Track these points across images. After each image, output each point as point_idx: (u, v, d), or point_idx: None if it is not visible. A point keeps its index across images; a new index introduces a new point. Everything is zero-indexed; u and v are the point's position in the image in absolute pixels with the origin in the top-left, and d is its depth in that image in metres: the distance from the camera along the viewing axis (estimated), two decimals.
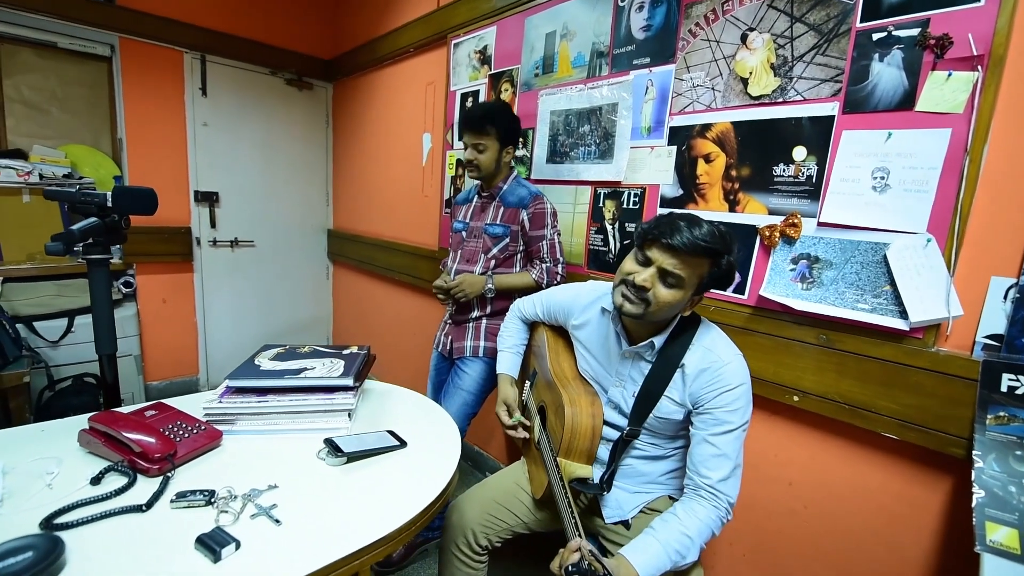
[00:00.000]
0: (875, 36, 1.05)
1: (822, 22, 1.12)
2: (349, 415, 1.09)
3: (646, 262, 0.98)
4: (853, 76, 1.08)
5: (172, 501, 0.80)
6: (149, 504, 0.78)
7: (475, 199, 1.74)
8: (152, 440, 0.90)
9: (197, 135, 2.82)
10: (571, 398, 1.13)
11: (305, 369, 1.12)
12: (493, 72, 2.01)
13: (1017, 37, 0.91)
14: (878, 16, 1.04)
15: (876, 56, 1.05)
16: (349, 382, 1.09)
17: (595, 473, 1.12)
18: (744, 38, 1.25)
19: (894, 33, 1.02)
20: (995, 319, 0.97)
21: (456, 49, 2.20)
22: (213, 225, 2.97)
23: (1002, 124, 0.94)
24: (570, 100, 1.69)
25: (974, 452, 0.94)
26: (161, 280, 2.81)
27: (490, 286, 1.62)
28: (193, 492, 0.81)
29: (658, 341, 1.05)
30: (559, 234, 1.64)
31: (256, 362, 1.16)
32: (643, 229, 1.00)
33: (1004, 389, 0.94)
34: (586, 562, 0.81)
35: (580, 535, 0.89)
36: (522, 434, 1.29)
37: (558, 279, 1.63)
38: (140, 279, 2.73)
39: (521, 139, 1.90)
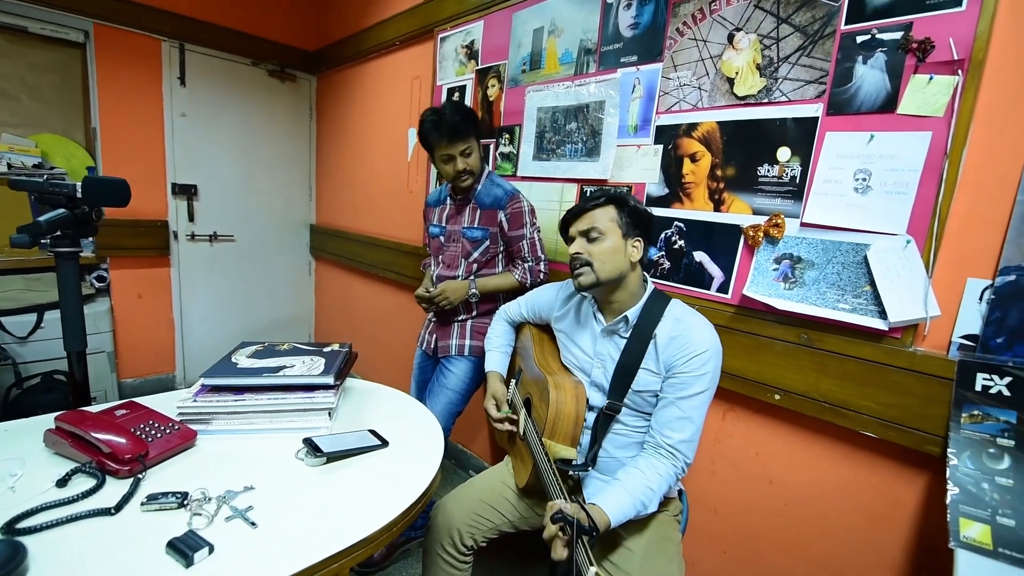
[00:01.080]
0: (859, 39, 1.06)
1: (808, 24, 1.13)
2: (329, 414, 1.07)
3: (571, 240, 1.15)
4: (837, 78, 1.09)
5: (143, 504, 0.77)
6: (118, 507, 0.76)
7: (448, 201, 1.69)
8: (122, 440, 0.86)
9: (175, 126, 2.74)
10: (556, 383, 1.15)
11: (284, 367, 1.09)
12: (480, 67, 1.99)
13: (996, 42, 0.92)
14: (863, 19, 1.05)
15: (860, 58, 1.06)
16: (329, 380, 1.06)
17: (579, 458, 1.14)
18: (731, 38, 1.25)
19: (878, 36, 1.04)
20: (971, 320, 0.99)
21: (443, 43, 2.17)
22: (191, 219, 2.89)
23: (981, 128, 0.95)
24: (557, 97, 1.68)
25: (949, 450, 0.96)
26: (136, 275, 2.73)
27: (474, 291, 1.59)
28: (165, 494, 0.78)
29: (631, 314, 1.11)
30: (539, 231, 1.61)
31: (233, 359, 1.12)
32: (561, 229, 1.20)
33: (979, 388, 0.96)
34: (569, 508, 0.86)
35: (566, 498, 0.92)
36: (508, 427, 1.29)
37: (541, 277, 1.62)
38: (114, 273, 2.64)
39: (507, 135, 1.89)
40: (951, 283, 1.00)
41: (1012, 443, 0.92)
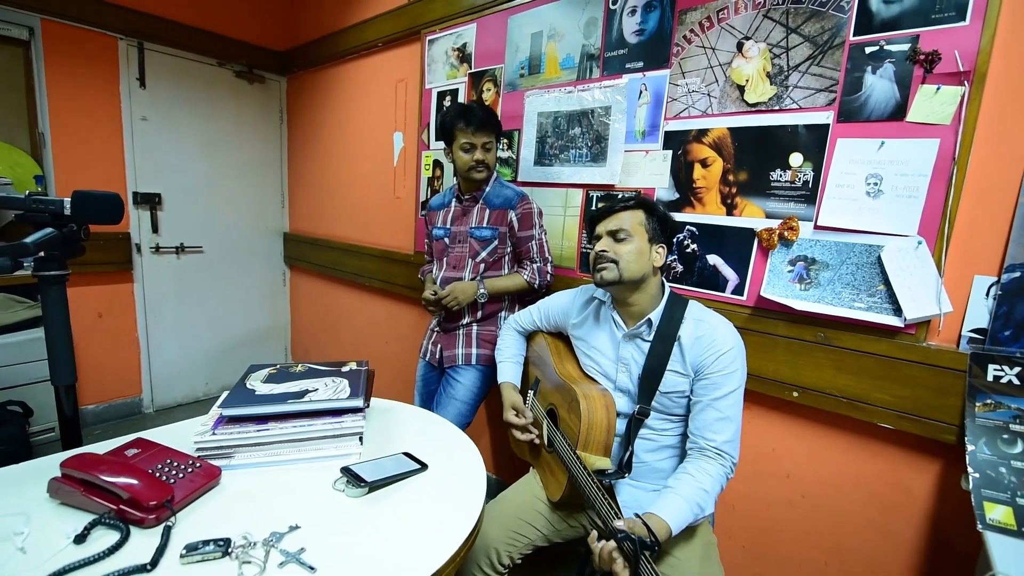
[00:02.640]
0: (868, 50, 1.11)
1: (817, 34, 1.17)
2: (360, 439, 1.01)
3: (598, 238, 1.17)
4: (847, 87, 1.14)
5: (182, 556, 0.70)
6: (154, 562, 0.68)
7: (453, 203, 1.67)
8: (144, 484, 0.78)
9: (135, 130, 2.54)
10: (584, 393, 1.14)
11: (308, 391, 1.03)
12: (474, 71, 1.95)
13: (997, 55, 0.99)
14: (871, 31, 1.10)
15: (869, 69, 1.11)
16: (359, 403, 1.01)
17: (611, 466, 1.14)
18: (740, 46, 1.28)
19: (886, 47, 1.09)
20: (979, 314, 1.05)
21: (431, 46, 2.12)
22: (155, 230, 2.69)
23: (983, 135, 1.02)
24: (559, 102, 1.68)
25: (966, 437, 1.02)
26: (96, 292, 2.51)
27: (482, 291, 1.57)
28: (205, 543, 0.71)
29: (654, 317, 1.12)
30: (545, 233, 1.64)
31: (249, 386, 1.05)
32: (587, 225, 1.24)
33: (990, 378, 1.02)
34: (623, 523, 0.85)
35: (619, 515, 0.90)
36: (529, 436, 1.27)
37: (548, 278, 1.62)
38: (71, 291, 2.40)
39: (505, 140, 1.87)
40: (960, 280, 1.06)
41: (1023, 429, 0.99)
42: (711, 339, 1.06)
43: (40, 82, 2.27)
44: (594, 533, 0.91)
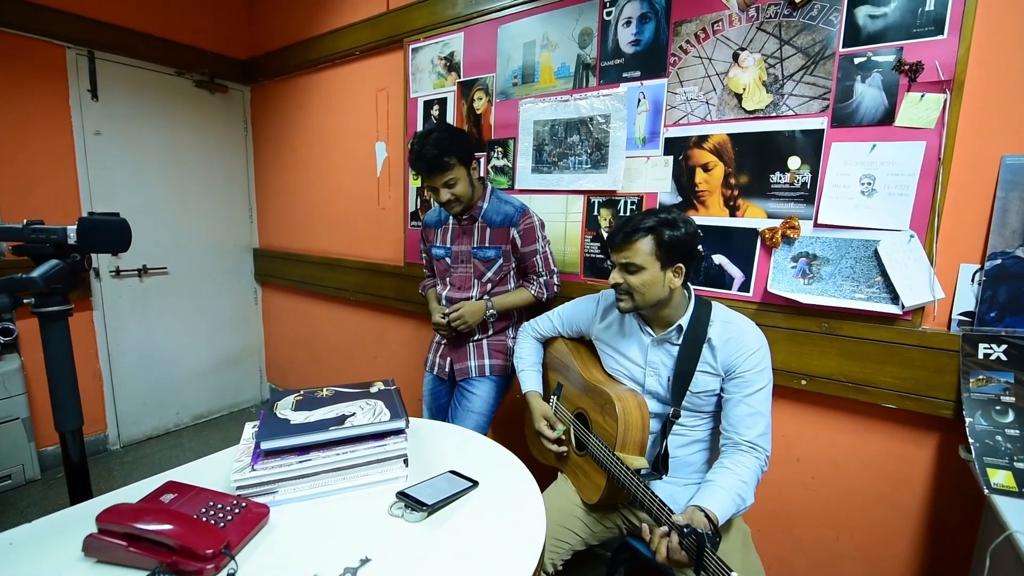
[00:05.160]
0: (856, 60, 1.20)
1: (808, 46, 1.25)
2: (405, 461, 0.99)
3: (614, 266, 1.17)
4: (839, 95, 1.23)
5: None
6: None
7: (450, 221, 1.64)
8: (195, 531, 0.73)
9: (88, 146, 2.35)
10: (616, 395, 1.16)
11: (346, 416, 0.99)
12: (463, 80, 1.95)
13: (973, 65, 1.10)
14: (858, 43, 1.19)
15: (859, 78, 1.20)
16: (401, 424, 0.98)
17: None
18: (736, 57, 1.35)
19: (873, 58, 1.18)
20: (966, 299, 1.16)
21: (416, 54, 2.09)
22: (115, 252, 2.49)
23: (964, 137, 1.12)
24: (556, 110, 1.70)
25: (964, 411, 1.12)
26: None
27: (492, 311, 1.56)
28: None
29: (683, 322, 1.15)
30: (549, 244, 1.62)
31: (280, 415, 1.00)
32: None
33: (981, 356, 1.13)
34: (682, 519, 0.89)
35: (671, 511, 0.94)
36: (561, 449, 1.28)
37: (555, 290, 1.63)
38: (22, 324, 2.20)
39: (500, 148, 1.87)
40: (948, 269, 1.17)
41: (1013, 399, 1.09)
42: (741, 339, 1.11)
43: None
44: (645, 527, 0.94)
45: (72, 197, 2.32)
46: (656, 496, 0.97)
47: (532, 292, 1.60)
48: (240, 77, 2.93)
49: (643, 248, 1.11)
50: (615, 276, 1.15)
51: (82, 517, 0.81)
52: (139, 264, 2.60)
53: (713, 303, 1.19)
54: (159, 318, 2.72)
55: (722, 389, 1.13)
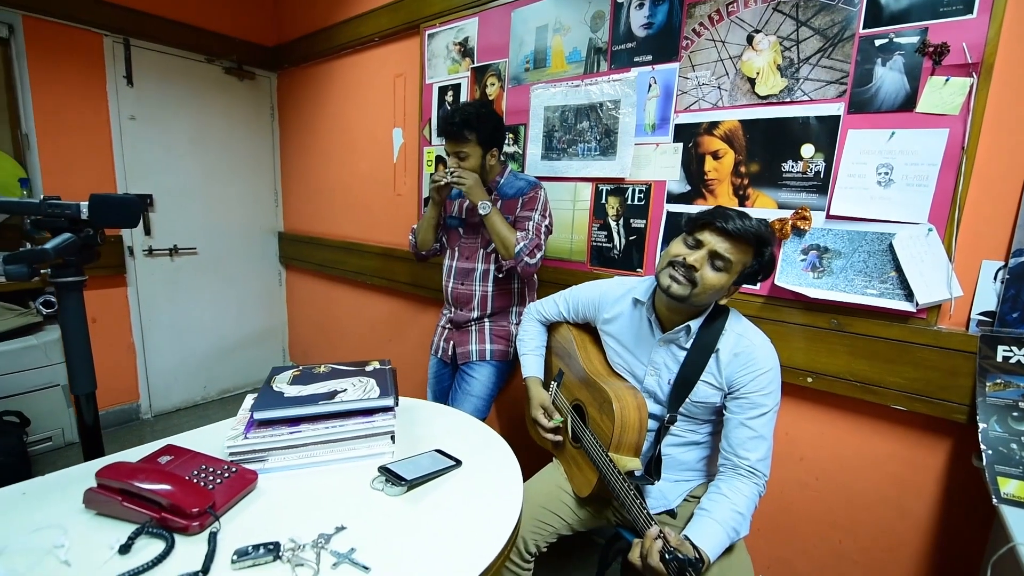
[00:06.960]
0: (877, 42, 1.13)
1: (827, 27, 1.19)
2: (392, 438, 1.01)
3: (696, 245, 1.02)
4: (857, 79, 1.16)
5: (233, 562, 0.69)
6: (205, 569, 0.68)
7: None
8: (184, 491, 0.77)
9: (124, 130, 2.47)
10: (616, 393, 1.13)
11: (337, 392, 1.02)
12: (476, 65, 1.94)
13: (1004, 47, 1.02)
14: (880, 23, 1.13)
15: (879, 61, 1.13)
16: (390, 402, 1.01)
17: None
18: (750, 39, 1.30)
19: (895, 40, 1.11)
20: (987, 298, 1.09)
21: (431, 40, 2.10)
22: (148, 232, 2.63)
23: (991, 125, 1.05)
24: (566, 96, 1.68)
25: (978, 416, 1.06)
26: (89, 297, 2.40)
27: (487, 204, 1.47)
28: (255, 547, 0.71)
29: (694, 325, 1.08)
30: (548, 224, 1.54)
31: (276, 388, 1.04)
32: (694, 216, 1.05)
33: (1000, 359, 1.07)
34: (672, 546, 0.84)
35: (654, 522, 0.91)
36: (557, 439, 1.28)
37: (536, 256, 1.49)
38: None
39: (511, 135, 1.86)
40: (968, 265, 1.10)
41: None
42: (750, 357, 1.03)
43: (23, 81, 2.19)
44: (639, 543, 0.90)
45: (108, 179, 2.45)
46: (644, 507, 0.95)
47: (518, 237, 1.48)
48: (267, 64, 3.01)
49: (744, 255, 0.99)
50: (696, 256, 1.00)
51: (88, 474, 0.87)
52: (170, 244, 2.73)
53: (731, 311, 1.11)
54: (189, 297, 2.86)
55: (724, 406, 1.07)
